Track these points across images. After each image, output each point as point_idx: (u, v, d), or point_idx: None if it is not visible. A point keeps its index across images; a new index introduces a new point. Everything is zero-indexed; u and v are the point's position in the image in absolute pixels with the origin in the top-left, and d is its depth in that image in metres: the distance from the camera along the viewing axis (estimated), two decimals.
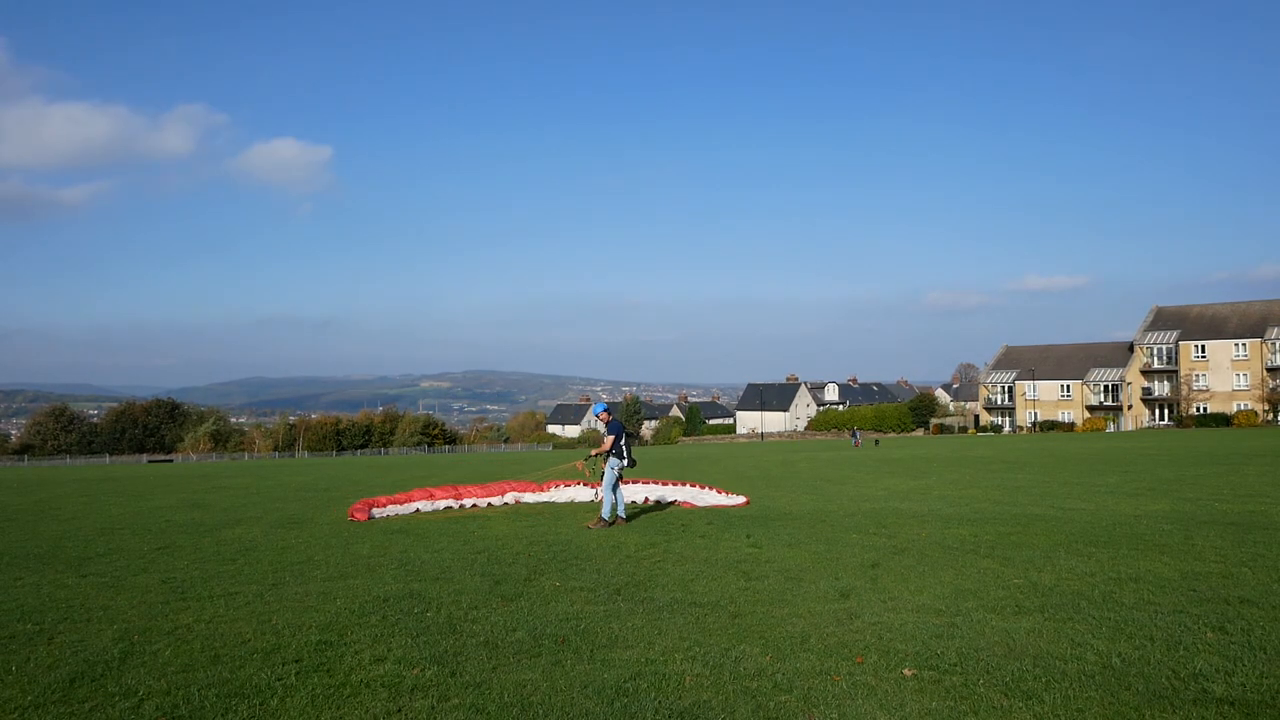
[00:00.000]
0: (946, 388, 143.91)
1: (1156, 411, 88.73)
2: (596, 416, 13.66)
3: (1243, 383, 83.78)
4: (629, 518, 13.43)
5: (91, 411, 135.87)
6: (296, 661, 5.99)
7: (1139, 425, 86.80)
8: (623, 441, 13.09)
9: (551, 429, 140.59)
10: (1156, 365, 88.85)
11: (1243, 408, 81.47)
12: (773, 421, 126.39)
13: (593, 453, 13.34)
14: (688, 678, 5.51)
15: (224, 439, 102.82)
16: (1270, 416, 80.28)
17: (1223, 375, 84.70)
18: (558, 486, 16.72)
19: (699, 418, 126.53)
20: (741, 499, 16.06)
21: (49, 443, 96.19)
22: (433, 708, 5.07)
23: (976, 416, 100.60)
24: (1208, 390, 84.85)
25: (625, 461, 13.04)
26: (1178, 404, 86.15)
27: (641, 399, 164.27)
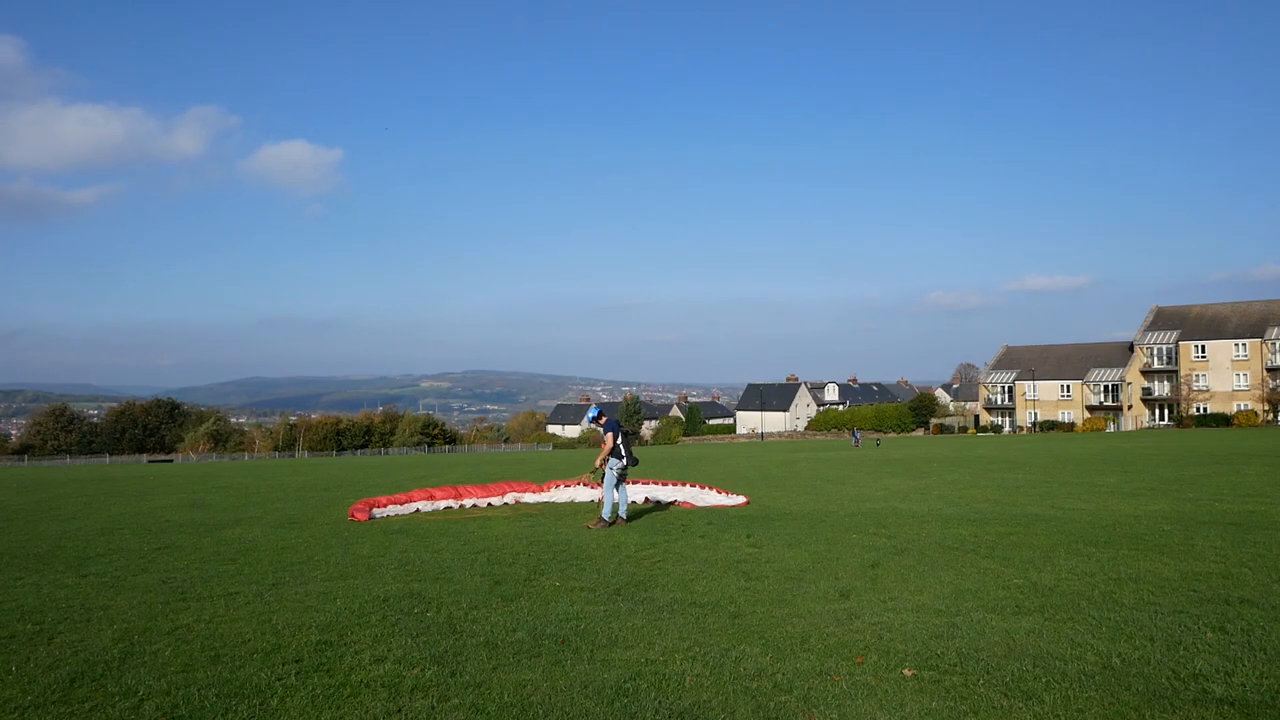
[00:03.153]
0: (946, 388, 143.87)
1: (1156, 411, 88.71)
2: (591, 421, 13.58)
3: (1243, 383, 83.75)
4: (630, 518, 13.40)
5: (91, 411, 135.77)
6: (296, 661, 5.99)
7: (1139, 425, 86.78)
8: (620, 440, 12.94)
9: (552, 429, 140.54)
10: (1156, 365, 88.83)
11: (1243, 408, 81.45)
12: (773, 421, 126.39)
13: (597, 462, 13.17)
14: (688, 678, 5.51)
15: (224, 439, 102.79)
16: (1270, 416, 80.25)
17: (1223, 375, 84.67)
18: (558, 486, 16.72)
19: (699, 418, 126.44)
20: (741, 499, 16.05)
21: (49, 443, 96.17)
22: (433, 708, 5.07)
23: (976, 416, 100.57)
24: (1208, 390, 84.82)
25: (625, 460, 12.92)
26: (1178, 404, 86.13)
27: (641, 399, 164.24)
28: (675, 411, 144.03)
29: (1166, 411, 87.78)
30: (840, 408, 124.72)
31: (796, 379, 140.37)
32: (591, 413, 13.76)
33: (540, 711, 4.98)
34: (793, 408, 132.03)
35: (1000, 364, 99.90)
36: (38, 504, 19.88)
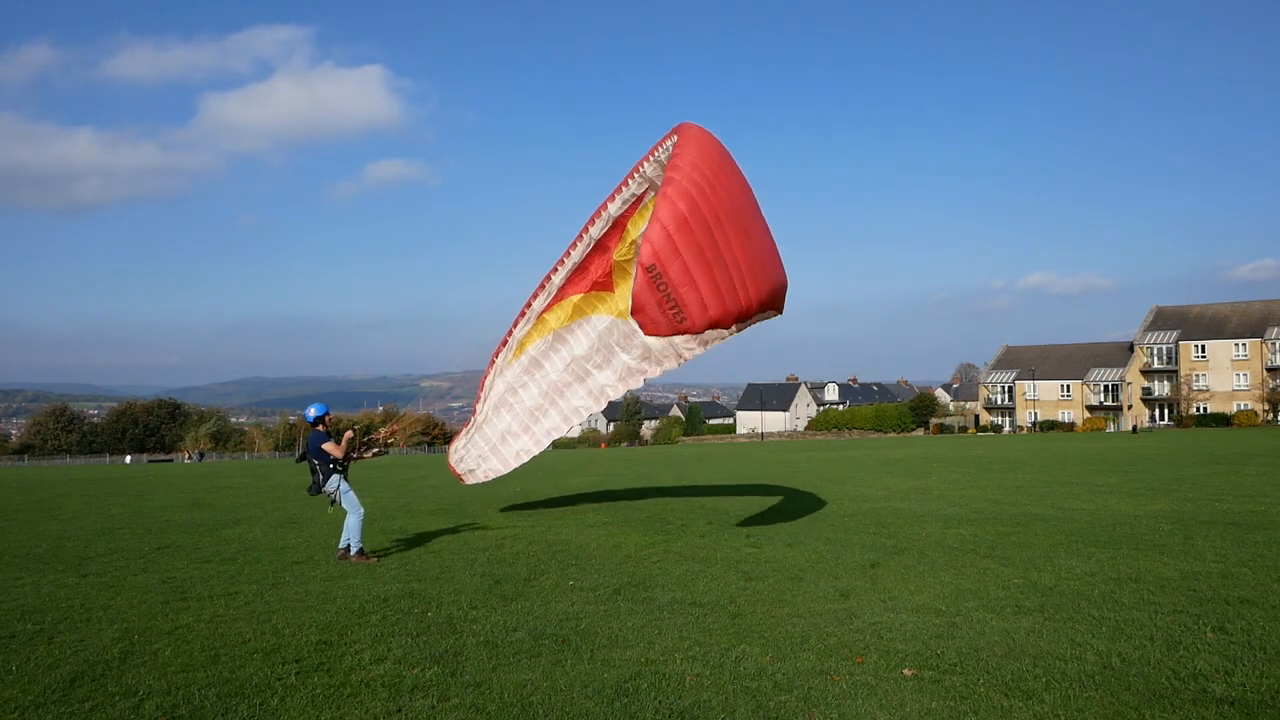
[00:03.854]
0: (946, 388, 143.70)
1: (1157, 411, 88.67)
2: (312, 423, 10.66)
3: (1243, 383, 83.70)
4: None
5: (91, 411, 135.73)
6: (296, 661, 6.00)
7: (1140, 425, 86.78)
8: (316, 460, 10.46)
9: None
10: (1156, 365, 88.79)
11: (1243, 408, 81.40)
12: (773, 421, 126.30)
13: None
14: (688, 678, 5.51)
15: (224, 439, 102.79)
16: (1270, 416, 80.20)
17: (1223, 375, 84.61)
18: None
19: (699, 418, 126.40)
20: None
21: (49, 443, 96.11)
22: (433, 708, 5.07)
23: (976, 416, 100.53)
24: (1208, 390, 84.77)
25: (320, 479, 10.46)
26: (1178, 404, 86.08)
27: (641, 399, 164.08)
28: (675, 411, 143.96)
29: (1166, 411, 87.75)
30: (840, 408, 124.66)
31: (796, 379, 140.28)
32: (319, 409, 10.70)
33: (540, 711, 4.98)
34: (793, 408, 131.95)
35: (1000, 364, 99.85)
36: (38, 504, 19.87)
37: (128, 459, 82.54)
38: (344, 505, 10.40)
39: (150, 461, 76.86)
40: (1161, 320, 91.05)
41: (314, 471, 10.51)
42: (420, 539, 12.02)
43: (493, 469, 14.05)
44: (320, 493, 10.50)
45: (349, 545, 10.29)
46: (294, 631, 6.81)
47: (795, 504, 15.83)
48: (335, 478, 10.44)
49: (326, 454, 10.42)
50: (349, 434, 10.78)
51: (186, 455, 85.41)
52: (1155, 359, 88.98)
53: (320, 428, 10.62)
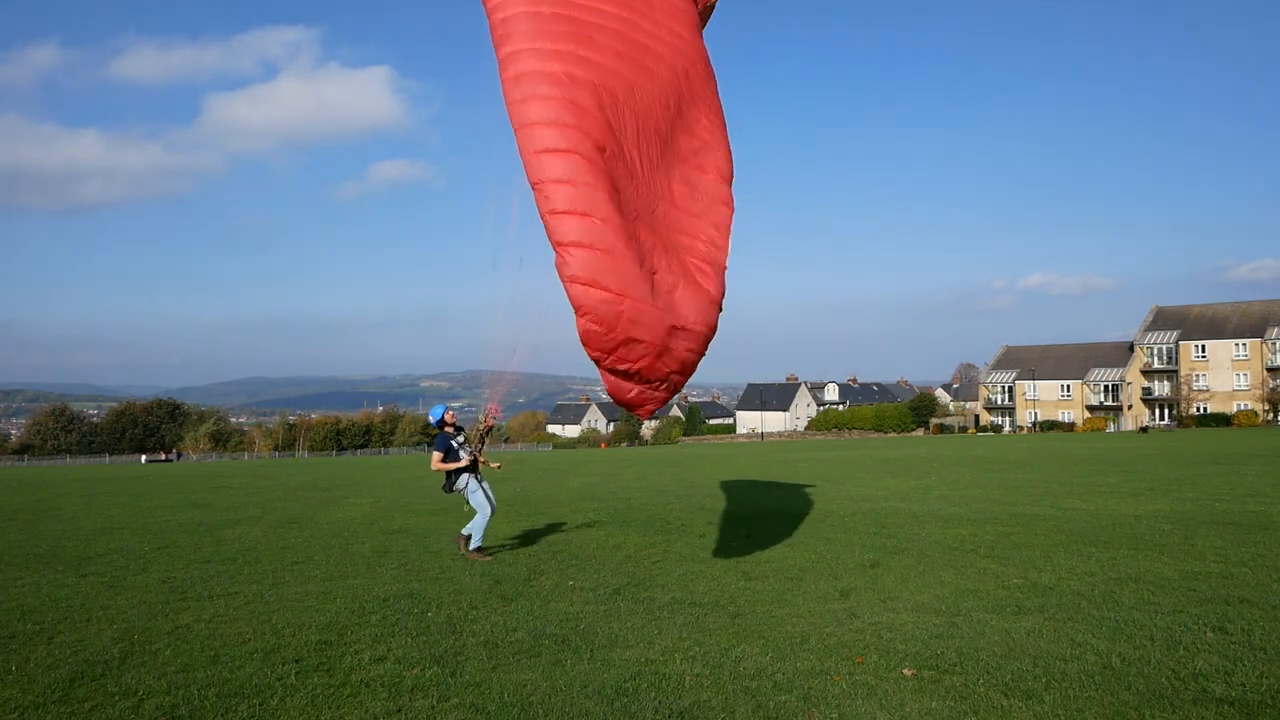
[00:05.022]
0: (946, 388, 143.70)
1: (1157, 411, 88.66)
2: (435, 425, 10.81)
3: (1243, 383, 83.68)
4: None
5: (91, 411, 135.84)
6: (296, 661, 6.00)
7: (1140, 425, 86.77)
8: (446, 458, 10.43)
9: (551, 429, 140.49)
10: (1156, 365, 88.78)
11: (1243, 408, 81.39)
12: (773, 421, 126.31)
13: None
14: (688, 678, 5.51)
15: (224, 439, 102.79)
16: (1270, 416, 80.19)
17: (1223, 375, 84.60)
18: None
19: (699, 417, 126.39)
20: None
21: (49, 443, 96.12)
22: (433, 708, 5.07)
23: (976, 416, 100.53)
24: (1208, 390, 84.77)
25: (462, 477, 10.45)
26: (1178, 404, 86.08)
27: None
28: (675, 411, 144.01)
29: (1166, 411, 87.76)
30: (840, 408, 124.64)
31: (796, 379, 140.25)
32: (435, 412, 10.87)
33: (540, 711, 4.98)
34: (793, 408, 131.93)
35: (1000, 364, 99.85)
36: (38, 504, 19.87)
37: (143, 459, 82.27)
38: (472, 505, 10.44)
39: (149, 461, 76.87)
40: (1161, 320, 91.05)
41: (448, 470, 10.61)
42: (420, 539, 12.02)
43: None
44: (453, 490, 10.57)
45: (470, 536, 10.33)
46: (294, 631, 6.81)
47: (795, 504, 15.83)
48: (465, 476, 10.46)
49: (457, 453, 10.42)
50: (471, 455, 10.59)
51: (166, 456, 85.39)
52: (1155, 359, 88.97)
53: (447, 428, 10.61)
